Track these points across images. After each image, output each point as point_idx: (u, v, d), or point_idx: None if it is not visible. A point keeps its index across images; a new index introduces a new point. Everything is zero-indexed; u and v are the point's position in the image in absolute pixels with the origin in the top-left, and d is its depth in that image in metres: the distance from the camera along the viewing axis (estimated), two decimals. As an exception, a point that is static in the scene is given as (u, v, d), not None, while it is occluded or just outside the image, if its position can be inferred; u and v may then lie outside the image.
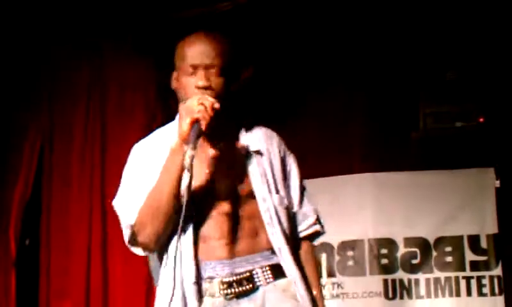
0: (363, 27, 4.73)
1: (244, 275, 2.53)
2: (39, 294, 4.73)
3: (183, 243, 2.49)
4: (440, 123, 4.70)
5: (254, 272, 2.55)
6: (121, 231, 4.51)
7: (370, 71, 4.93)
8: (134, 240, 2.62)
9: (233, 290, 2.51)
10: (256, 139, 2.70)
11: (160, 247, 2.57)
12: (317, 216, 2.76)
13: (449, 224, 4.79)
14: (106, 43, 4.89)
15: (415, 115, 4.76)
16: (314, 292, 2.64)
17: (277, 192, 2.65)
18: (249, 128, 2.72)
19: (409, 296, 4.78)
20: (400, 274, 4.82)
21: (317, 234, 2.77)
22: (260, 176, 2.63)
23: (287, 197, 2.70)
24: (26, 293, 4.77)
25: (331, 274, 4.85)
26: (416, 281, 4.80)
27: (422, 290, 4.77)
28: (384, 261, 4.83)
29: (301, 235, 2.73)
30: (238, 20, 4.46)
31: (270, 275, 2.56)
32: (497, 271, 4.70)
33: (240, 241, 2.57)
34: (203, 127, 2.43)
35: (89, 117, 4.84)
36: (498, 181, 4.76)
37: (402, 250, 4.83)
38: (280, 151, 2.73)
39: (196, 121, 2.43)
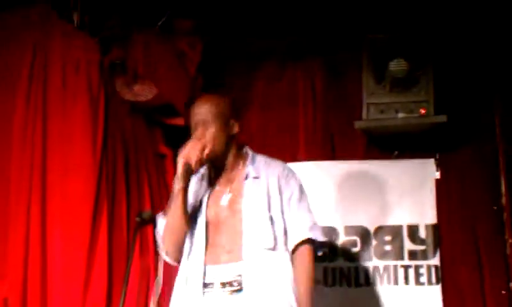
0: (313, 13, 4.75)
1: (235, 278, 3.40)
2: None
3: (195, 249, 3.51)
4: (382, 113, 4.74)
5: (241, 277, 3.39)
6: (61, 213, 4.52)
7: (315, 56, 4.96)
8: (165, 254, 3.63)
9: (227, 288, 3.40)
10: (257, 168, 3.56)
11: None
12: (311, 225, 3.52)
13: (389, 214, 4.85)
14: (51, 20, 4.79)
15: (358, 105, 4.79)
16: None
17: (269, 209, 3.46)
18: (253, 159, 3.60)
19: (349, 284, 4.83)
20: (340, 262, 4.86)
21: (315, 243, 3.52)
22: (250, 196, 3.48)
23: (283, 212, 3.49)
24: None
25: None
26: (356, 269, 4.85)
27: (362, 278, 4.83)
28: (325, 248, 4.85)
29: (294, 242, 3.48)
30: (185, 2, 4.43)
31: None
32: (435, 261, 4.77)
33: (234, 252, 3.42)
34: (193, 166, 3.41)
35: (31, 95, 4.72)
36: (438, 173, 4.83)
37: (343, 238, 4.88)
38: (279, 177, 3.54)
39: (187, 163, 3.40)
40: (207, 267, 3.43)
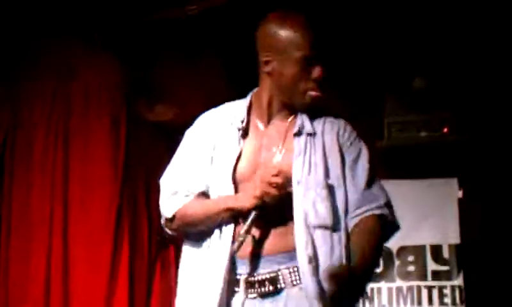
0: (327, 32, 4.73)
1: (267, 276, 2.45)
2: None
3: (223, 235, 2.49)
4: (404, 132, 4.72)
5: (279, 272, 2.44)
6: (83, 235, 4.46)
7: (335, 76, 4.93)
8: (170, 229, 2.66)
9: (254, 290, 2.45)
10: (314, 122, 2.59)
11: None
12: (388, 201, 2.58)
13: (412, 234, 4.80)
14: (74, 44, 4.84)
15: (379, 124, 4.77)
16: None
17: (327, 175, 2.50)
18: (313, 114, 2.60)
19: (372, 305, 4.79)
20: (363, 283, 4.82)
21: (385, 220, 2.55)
22: (302, 157, 2.51)
23: (346, 178, 2.53)
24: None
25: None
26: (379, 290, 4.81)
27: (384, 299, 4.79)
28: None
29: (358, 216, 2.51)
30: (205, 24, 4.46)
31: (297, 278, 2.43)
32: (459, 281, 4.73)
33: (269, 237, 2.47)
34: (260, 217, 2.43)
35: (53, 116, 4.77)
36: (460, 192, 4.80)
37: (365, 259, 4.84)
38: (338, 135, 2.58)
39: (260, 207, 2.41)
40: (236, 260, 2.50)
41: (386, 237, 2.61)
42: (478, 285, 4.69)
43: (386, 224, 2.56)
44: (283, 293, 2.43)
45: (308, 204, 2.45)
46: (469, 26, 4.62)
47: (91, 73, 4.85)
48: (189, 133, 2.68)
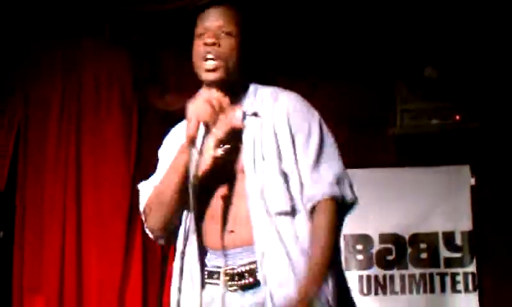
0: (340, 21, 4.73)
1: (246, 268, 2.39)
2: (12, 288, 4.68)
3: (190, 231, 2.47)
4: (416, 120, 4.72)
5: (258, 263, 2.37)
6: (96, 225, 4.49)
7: (347, 66, 4.92)
8: (146, 227, 2.61)
9: (234, 283, 2.41)
10: (258, 100, 2.52)
11: (169, 236, 2.56)
12: (337, 177, 2.44)
13: (424, 221, 4.81)
14: (83, 36, 4.85)
15: (392, 111, 4.77)
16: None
17: (279, 159, 2.43)
18: (255, 92, 2.55)
19: (384, 292, 4.79)
20: (376, 270, 4.83)
21: (337, 201, 2.42)
22: (251, 143, 2.45)
23: (298, 162, 2.43)
24: (-1, 287, 4.74)
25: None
26: (391, 277, 4.81)
27: (397, 286, 4.79)
28: (360, 257, 4.84)
29: (312, 201, 2.41)
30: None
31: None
32: (471, 268, 4.73)
33: (241, 228, 2.41)
34: (211, 128, 2.36)
35: (64, 110, 4.80)
36: (473, 179, 4.79)
37: (377, 246, 4.84)
38: (288, 112, 2.48)
39: (203, 123, 2.34)
40: (208, 251, 2.48)
41: (342, 215, 2.46)
42: (491, 272, 4.69)
43: (339, 204, 2.43)
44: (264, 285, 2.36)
45: (265, 191, 2.40)
46: (480, 13, 4.60)
47: (101, 64, 4.87)
48: (159, 152, 2.72)
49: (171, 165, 2.48)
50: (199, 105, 2.37)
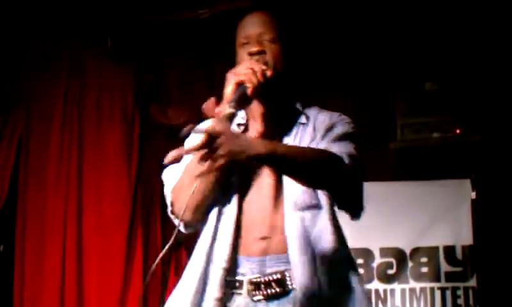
0: (340, 37, 4.74)
1: (274, 276, 2.31)
2: (13, 301, 4.68)
3: (221, 229, 2.37)
4: (417, 133, 4.72)
5: (286, 273, 2.31)
6: (97, 238, 4.47)
7: (348, 81, 4.93)
8: (172, 211, 2.46)
9: (260, 292, 2.31)
10: (308, 113, 2.53)
11: (197, 222, 2.42)
12: (352, 154, 2.44)
13: (425, 235, 4.81)
14: (85, 47, 4.86)
15: (392, 125, 4.77)
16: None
17: None
18: (303, 105, 2.55)
19: (385, 306, 4.79)
20: (376, 284, 4.83)
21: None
22: (292, 141, 2.41)
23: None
24: (0, 300, 4.72)
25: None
26: (392, 291, 4.81)
27: (398, 300, 4.78)
28: (360, 270, 4.83)
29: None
30: (217, 27, 4.46)
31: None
32: (472, 282, 4.72)
33: (274, 236, 2.35)
34: (249, 91, 2.26)
35: (67, 120, 4.81)
36: (474, 193, 4.79)
37: (378, 260, 4.84)
38: (329, 118, 2.50)
39: (241, 84, 2.26)
40: (238, 258, 2.37)
41: (339, 175, 2.38)
42: (491, 286, 4.68)
43: (343, 165, 2.38)
44: (292, 295, 2.30)
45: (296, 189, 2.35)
46: (479, 27, 4.61)
47: (103, 77, 4.88)
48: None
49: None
50: (240, 68, 2.32)
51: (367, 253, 4.82)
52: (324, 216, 2.39)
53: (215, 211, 2.40)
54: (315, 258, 2.31)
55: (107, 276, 4.61)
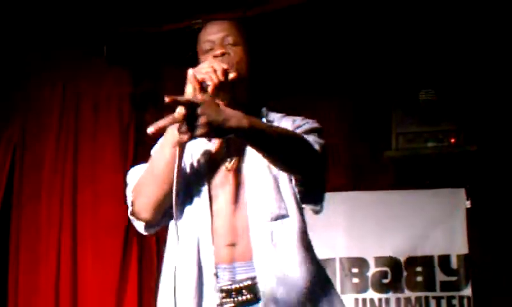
0: (336, 44, 4.75)
1: (245, 283, 2.30)
2: (7, 309, 4.68)
3: (201, 236, 2.34)
4: (412, 143, 4.73)
5: (257, 280, 2.29)
6: (91, 248, 4.47)
7: (344, 89, 4.94)
8: (132, 211, 2.44)
9: (231, 300, 2.29)
10: (270, 118, 2.51)
11: (157, 222, 2.41)
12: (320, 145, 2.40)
13: (420, 244, 4.81)
14: (81, 55, 4.87)
15: (387, 134, 4.78)
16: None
17: (270, 167, 2.37)
18: (267, 114, 2.53)
19: (380, 315, 4.79)
20: (371, 293, 4.82)
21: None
22: (253, 153, 2.35)
23: None
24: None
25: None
26: (387, 301, 4.80)
27: (393, 310, 4.79)
28: (355, 280, 4.83)
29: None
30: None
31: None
32: (467, 292, 4.72)
33: (241, 242, 2.33)
34: (210, 89, 2.22)
35: (63, 129, 4.81)
36: (468, 202, 4.79)
37: (373, 269, 4.84)
38: (294, 121, 2.49)
39: (202, 82, 2.24)
40: (217, 266, 2.34)
41: (310, 156, 2.36)
42: (486, 296, 4.68)
43: (313, 149, 2.37)
44: (261, 302, 2.28)
45: (261, 199, 2.35)
46: (475, 37, 4.63)
47: (100, 84, 4.88)
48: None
49: (164, 137, 2.35)
50: (202, 66, 2.31)
51: (361, 262, 4.82)
52: (290, 224, 2.36)
53: (191, 216, 2.38)
54: (281, 266, 2.29)
55: (102, 282, 4.60)
